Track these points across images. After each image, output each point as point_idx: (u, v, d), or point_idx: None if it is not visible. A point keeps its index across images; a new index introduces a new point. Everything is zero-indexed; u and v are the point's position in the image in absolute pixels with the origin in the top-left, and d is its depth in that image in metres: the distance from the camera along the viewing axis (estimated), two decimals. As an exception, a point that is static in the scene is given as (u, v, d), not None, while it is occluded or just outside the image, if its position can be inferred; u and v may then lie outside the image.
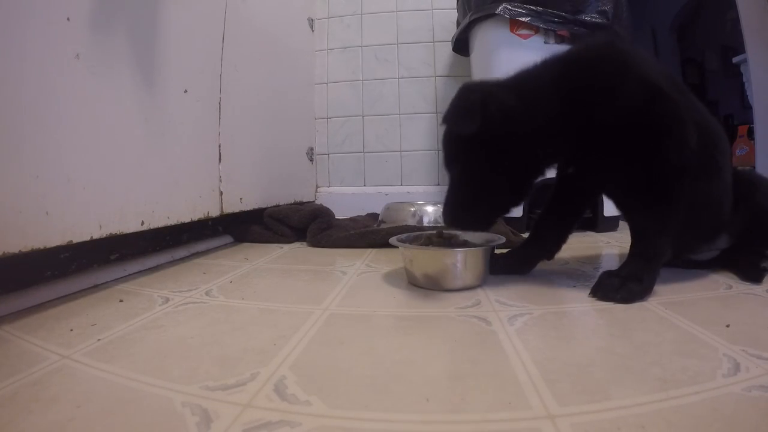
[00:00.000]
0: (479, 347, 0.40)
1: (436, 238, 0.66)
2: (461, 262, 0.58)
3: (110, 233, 0.60)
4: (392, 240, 0.66)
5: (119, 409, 0.30)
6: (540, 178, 0.61)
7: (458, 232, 0.70)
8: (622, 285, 0.52)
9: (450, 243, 0.66)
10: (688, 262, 0.67)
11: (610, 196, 0.66)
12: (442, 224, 1.05)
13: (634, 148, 0.53)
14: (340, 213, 1.21)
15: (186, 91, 0.79)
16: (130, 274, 0.69)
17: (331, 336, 0.43)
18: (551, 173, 0.64)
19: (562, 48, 1.02)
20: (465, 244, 0.66)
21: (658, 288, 0.55)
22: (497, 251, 0.65)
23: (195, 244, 0.89)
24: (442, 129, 0.62)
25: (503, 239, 0.65)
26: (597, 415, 0.28)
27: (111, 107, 0.62)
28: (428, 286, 0.59)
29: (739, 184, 0.63)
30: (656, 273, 0.54)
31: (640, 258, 0.54)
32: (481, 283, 0.61)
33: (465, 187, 0.59)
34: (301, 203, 1.33)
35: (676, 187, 0.53)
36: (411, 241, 0.67)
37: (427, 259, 0.59)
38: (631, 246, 0.56)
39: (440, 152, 0.64)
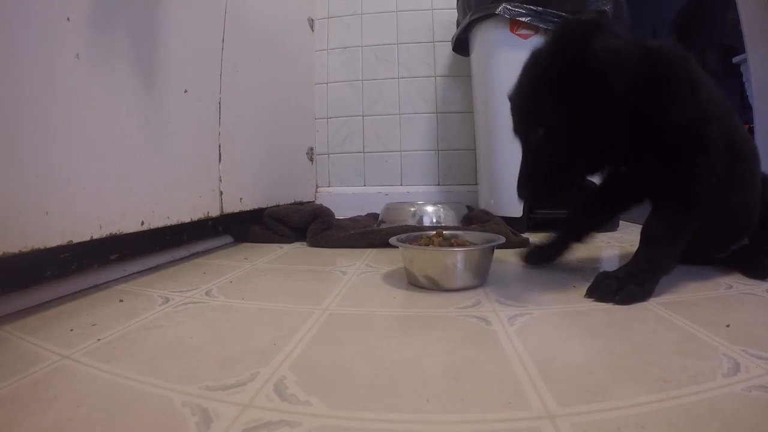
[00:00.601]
0: (479, 347, 0.40)
1: (436, 238, 0.66)
2: (461, 262, 0.58)
3: (110, 233, 0.60)
4: (392, 240, 0.66)
5: (119, 409, 0.30)
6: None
7: (459, 232, 0.70)
8: (621, 287, 0.51)
9: (450, 243, 0.66)
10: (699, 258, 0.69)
11: (644, 193, 0.64)
12: (443, 224, 1.06)
13: (672, 156, 0.54)
14: (340, 213, 1.21)
15: (186, 91, 0.79)
16: (130, 274, 0.69)
17: (331, 336, 0.43)
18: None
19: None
20: (465, 244, 0.66)
21: (658, 288, 0.55)
22: (532, 245, 0.69)
23: (195, 244, 0.89)
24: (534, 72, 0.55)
25: (503, 239, 0.65)
26: (597, 415, 0.28)
27: (111, 107, 0.62)
28: (428, 286, 0.59)
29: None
30: (656, 281, 0.54)
31: (645, 261, 0.54)
32: (481, 283, 0.61)
33: (546, 151, 0.54)
34: (301, 203, 1.33)
35: (697, 203, 0.54)
36: (411, 241, 0.67)
37: (427, 259, 0.59)
38: (638, 249, 0.56)
39: (514, 115, 0.56)
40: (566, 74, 0.51)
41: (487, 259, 0.61)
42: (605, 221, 0.72)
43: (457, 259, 0.58)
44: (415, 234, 0.70)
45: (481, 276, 0.60)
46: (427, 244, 0.65)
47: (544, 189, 0.56)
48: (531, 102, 0.55)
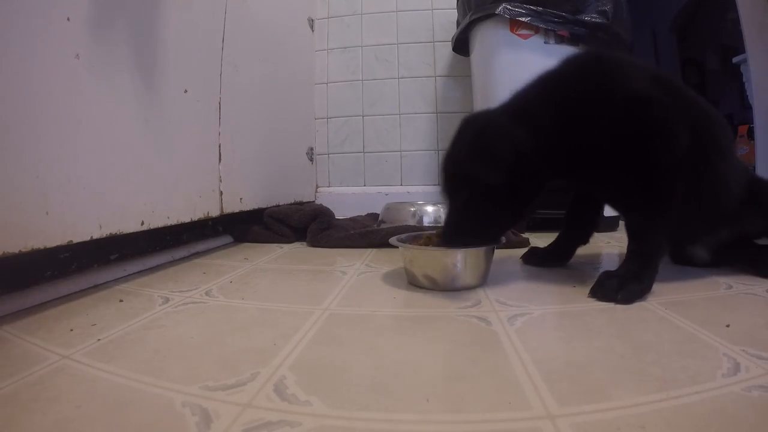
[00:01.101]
0: (479, 347, 0.40)
1: (436, 238, 0.66)
2: (461, 262, 0.58)
3: (110, 233, 0.60)
4: (392, 240, 0.66)
5: (119, 409, 0.30)
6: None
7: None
8: (622, 285, 0.52)
9: (450, 243, 0.66)
10: (706, 261, 0.68)
11: (608, 201, 0.67)
12: (443, 224, 1.05)
13: (626, 154, 0.54)
14: (340, 213, 1.21)
15: (186, 91, 0.79)
16: (130, 274, 0.69)
17: (331, 336, 0.43)
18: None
19: (564, 49, 1.03)
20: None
21: (658, 288, 0.55)
22: (532, 246, 0.71)
23: (195, 244, 0.89)
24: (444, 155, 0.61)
25: (504, 239, 0.65)
26: (597, 415, 0.28)
27: (111, 107, 0.62)
28: (428, 286, 0.59)
29: (759, 188, 0.65)
30: (655, 271, 0.54)
31: (638, 257, 0.54)
32: (481, 283, 0.61)
33: (470, 212, 0.59)
34: (301, 203, 1.33)
35: (668, 185, 0.53)
36: (411, 241, 0.67)
37: (427, 259, 0.59)
38: (628, 245, 0.56)
39: (441, 174, 0.62)
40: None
41: (487, 259, 0.61)
42: (597, 222, 0.72)
43: (457, 259, 0.58)
44: (415, 234, 0.70)
45: (481, 276, 0.60)
46: (427, 244, 0.65)
47: (467, 238, 0.59)
48: (455, 170, 0.59)
